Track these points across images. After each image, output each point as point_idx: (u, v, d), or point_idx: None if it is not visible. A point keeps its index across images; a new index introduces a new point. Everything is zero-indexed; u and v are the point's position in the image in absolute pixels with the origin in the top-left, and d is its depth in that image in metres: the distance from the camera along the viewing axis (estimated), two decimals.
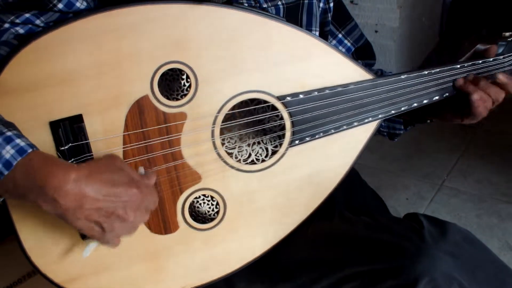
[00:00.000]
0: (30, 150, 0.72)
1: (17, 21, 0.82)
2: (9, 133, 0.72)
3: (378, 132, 1.12)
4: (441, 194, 2.14)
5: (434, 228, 0.90)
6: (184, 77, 0.89)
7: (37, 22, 0.82)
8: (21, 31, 0.82)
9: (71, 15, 0.83)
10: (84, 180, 0.70)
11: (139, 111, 0.85)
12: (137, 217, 0.75)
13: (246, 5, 0.99)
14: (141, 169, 0.83)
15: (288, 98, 0.93)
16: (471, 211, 2.03)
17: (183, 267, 0.94)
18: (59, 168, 0.70)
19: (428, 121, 1.11)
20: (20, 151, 0.71)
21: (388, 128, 1.18)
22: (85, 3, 0.84)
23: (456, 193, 2.14)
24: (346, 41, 1.17)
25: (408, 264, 0.85)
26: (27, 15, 0.82)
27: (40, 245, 0.84)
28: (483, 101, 0.99)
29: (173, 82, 0.90)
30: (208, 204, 0.95)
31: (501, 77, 1.00)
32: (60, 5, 0.82)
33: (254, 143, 0.99)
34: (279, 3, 1.03)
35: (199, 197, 0.94)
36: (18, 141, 0.72)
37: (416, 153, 2.40)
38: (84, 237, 0.85)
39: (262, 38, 0.90)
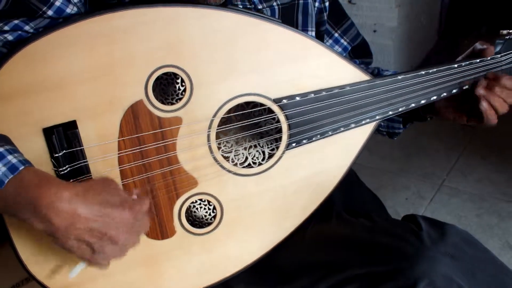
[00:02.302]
0: (22, 168, 0.71)
1: (6, 28, 0.81)
2: (0, 149, 0.71)
3: (377, 131, 1.11)
4: (441, 194, 2.14)
5: (432, 230, 0.89)
6: (179, 81, 0.88)
7: (26, 28, 0.82)
8: (10, 37, 0.81)
9: (61, 20, 0.83)
10: (78, 199, 0.69)
11: (134, 116, 0.84)
12: (128, 239, 0.74)
13: (241, 6, 0.98)
14: (134, 195, 0.82)
15: (285, 101, 0.92)
16: (471, 210, 2.03)
17: (180, 271, 0.93)
18: (52, 185, 0.69)
19: (428, 118, 1.10)
20: (12, 168, 0.70)
21: (387, 127, 1.17)
22: (75, 9, 0.84)
23: (456, 193, 2.13)
24: (342, 40, 1.16)
25: (407, 266, 0.84)
26: (15, 21, 0.81)
27: (36, 251, 0.84)
28: (494, 107, 0.98)
29: (168, 86, 0.90)
30: (205, 209, 0.94)
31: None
32: (50, 12, 0.82)
33: (250, 147, 0.98)
34: (274, 4, 1.03)
35: (196, 201, 0.93)
36: (10, 157, 0.71)
37: (416, 153, 2.39)
38: None
39: (257, 40, 0.90)
